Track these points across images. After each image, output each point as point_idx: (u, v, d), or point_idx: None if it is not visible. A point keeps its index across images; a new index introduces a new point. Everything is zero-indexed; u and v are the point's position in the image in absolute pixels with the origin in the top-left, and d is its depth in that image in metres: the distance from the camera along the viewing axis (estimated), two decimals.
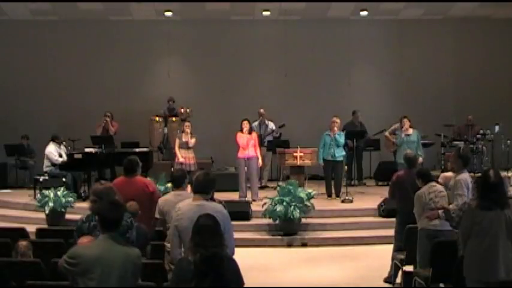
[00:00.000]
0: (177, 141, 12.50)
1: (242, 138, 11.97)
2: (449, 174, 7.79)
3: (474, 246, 5.12)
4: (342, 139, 12.23)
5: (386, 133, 13.56)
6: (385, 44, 16.22)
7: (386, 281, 7.89)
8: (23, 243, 6.04)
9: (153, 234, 6.57)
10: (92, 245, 4.46)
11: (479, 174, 8.03)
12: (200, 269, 4.08)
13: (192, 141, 12.41)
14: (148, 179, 7.94)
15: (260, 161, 12.25)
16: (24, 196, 12.73)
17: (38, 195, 11.20)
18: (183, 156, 12.32)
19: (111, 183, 7.42)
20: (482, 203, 5.13)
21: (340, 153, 12.18)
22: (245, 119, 12.14)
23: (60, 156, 12.63)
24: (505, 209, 5.10)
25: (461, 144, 13.06)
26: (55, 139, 12.76)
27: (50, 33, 15.75)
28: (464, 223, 5.27)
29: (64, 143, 13.12)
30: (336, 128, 12.20)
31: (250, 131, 12.15)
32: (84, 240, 4.75)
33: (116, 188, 6.98)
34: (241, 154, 11.96)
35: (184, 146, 12.38)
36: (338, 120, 12.32)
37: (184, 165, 11.99)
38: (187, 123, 12.72)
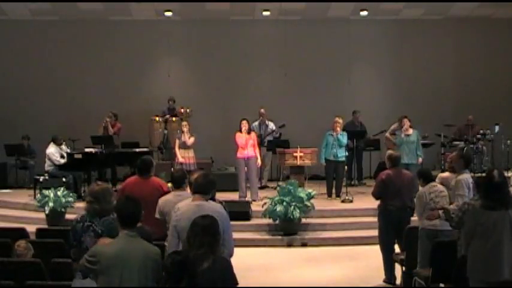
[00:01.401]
0: (177, 142, 12.54)
1: (241, 138, 11.97)
2: (446, 174, 7.81)
3: (478, 247, 5.11)
4: (344, 139, 12.22)
5: (387, 134, 13.56)
6: (385, 44, 16.21)
7: (385, 281, 7.90)
8: (20, 244, 6.03)
9: (164, 234, 6.54)
10: (111, 243, 4.52)
11: (479, 175, 8.05)
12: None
13: (190, 141, 12.43)
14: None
15: (259, 161, 12.25)
16: (24, 196, 12.74)
17: (38, 195, 11.20)
18: (182, 156, 12.35)
19: (124, 182, 7.49)
20: (487, 203, 5.12)
21: (342, 153, 12.18)
22: (244, 119, 12.14)
23: (62, 157, 12.63)
24: (509, 208, 5.10)
25: (461, 144, 13.06)
26: (55, 140, 12.77)
27: (50, 33, 15.74)
28: (468, 223, 5.26)
29: (65, 143, 13.12)
30: (338, 128, 12.19)
31: (249, 131, 12.15)
32: (104, 241, 4.77)
33: (127, 188, 7.04)
34: (240, 154, 11.96)
35: (183, 145, 12.40)
36: (341, 121, 12.32)
37: (184, 165, 12.03)
38: (184, 123, 12.77)
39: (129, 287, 4.24)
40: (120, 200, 4.77)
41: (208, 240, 4.22)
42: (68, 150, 12.91)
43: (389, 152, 8.42)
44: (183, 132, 12.54)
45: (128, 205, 4.53)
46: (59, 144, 12.80)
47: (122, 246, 4.34)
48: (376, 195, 8.12)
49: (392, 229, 7.69)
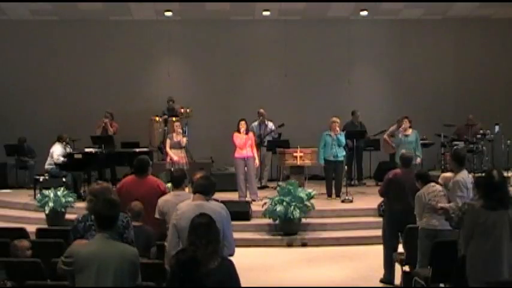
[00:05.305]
0: (168, 142, 12.50)
1: (239, 138, 11.97)
2: (449, 174, 7.79)
3: (477, 247, 5.11)
4: (343, 139, 12.24)
5: (385, 136, 13.56)
6: (385, 44, 16.21)
7: (382, 281, 7.89)
8: (19, 244, 6.02)
9: (163, 234, 6.54)
10: (87, 244, 4.49)
11: (479, 174, 8.04)
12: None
13: (184, 140, 12.44)
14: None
15: (257, 161, 12.24)
16: (24, 196, 12.74)
17: (38, 195, 11.20)
18: (176, 156, 12.35)
19: (121, 181, 7.49)
20: (488, 203, 5.12)
21: (341, 153, 12.19)
22: (242, 119, 12.14)
23: (63, 156, 12.65)
24: (508, 208, 5.10)
25: (461, 144, 13.07)
26: (60, 139, 12.81)
27: (50, 33, 15.74)
28: (467, 223, 5.26)
29: (70, 142, 13.17)
30: (338, 128, 12.19)
31: (247, 132, 12.14)
32: (80, 242, 4.77)
33: (124, 187, 7.04)
34: (238, 154, 11.95)
35: (177, 145, 12.37)
36: (339, 120, 12.33)
37: (177, 164, 12.02)
38: (177, 124, 12.79)
39: None
40: (98, 202, 4.66)
41: (214, 238, 4.22)
42: (69, 150, 12.92)
43: (403, 151, 8.51)
44: (176, 132, 12.52)
45: (106, 208, 4.43)
46: (64, 143, 12.84)
47: (98, 247, 4.28)
48: (381, 194, 8.27)
49: (396, 229, 7.65)
